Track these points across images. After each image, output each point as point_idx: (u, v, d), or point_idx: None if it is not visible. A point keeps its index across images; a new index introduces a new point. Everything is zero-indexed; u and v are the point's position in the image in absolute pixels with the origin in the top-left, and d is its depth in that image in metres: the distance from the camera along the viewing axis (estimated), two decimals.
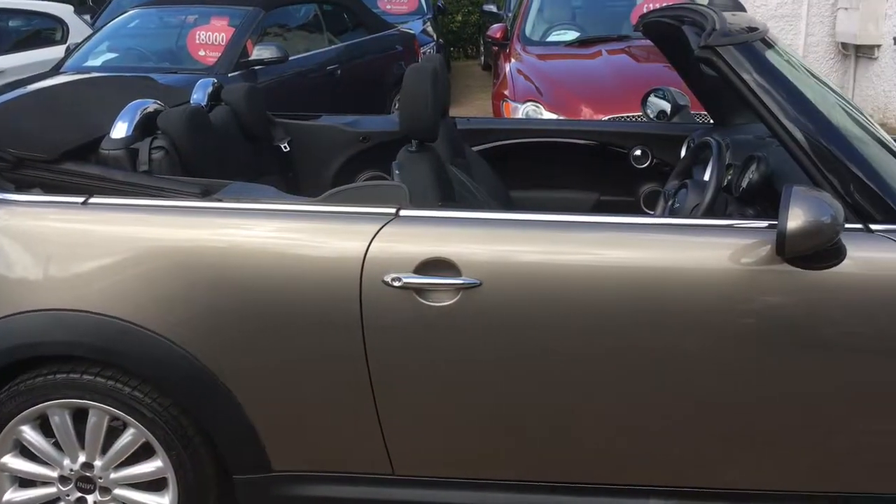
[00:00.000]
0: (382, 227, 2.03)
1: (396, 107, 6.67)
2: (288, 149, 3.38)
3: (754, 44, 2.08)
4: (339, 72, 6.72)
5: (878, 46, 7.71)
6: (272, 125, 3.37)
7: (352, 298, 2.00)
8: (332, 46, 6.99)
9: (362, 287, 1.99)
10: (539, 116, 5.25)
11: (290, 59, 5.99)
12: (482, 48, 13.28)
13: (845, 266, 1.91)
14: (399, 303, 1.99)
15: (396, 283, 1.98)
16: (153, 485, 2.24)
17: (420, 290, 1.98)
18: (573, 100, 5.35)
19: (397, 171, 2.41)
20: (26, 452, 2.25)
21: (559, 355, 1.99)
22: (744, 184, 2.38)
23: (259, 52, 5.77)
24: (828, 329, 1.93)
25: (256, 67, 5.80)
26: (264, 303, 2.03)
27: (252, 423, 2.13)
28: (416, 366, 2.04)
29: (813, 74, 2.39)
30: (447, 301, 1.98)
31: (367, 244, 2.00)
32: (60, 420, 2.18)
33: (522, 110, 5.33)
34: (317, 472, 2.20)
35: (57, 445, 2.22)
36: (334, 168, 3.44)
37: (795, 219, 1.81)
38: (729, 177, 2.54)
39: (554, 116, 5.18)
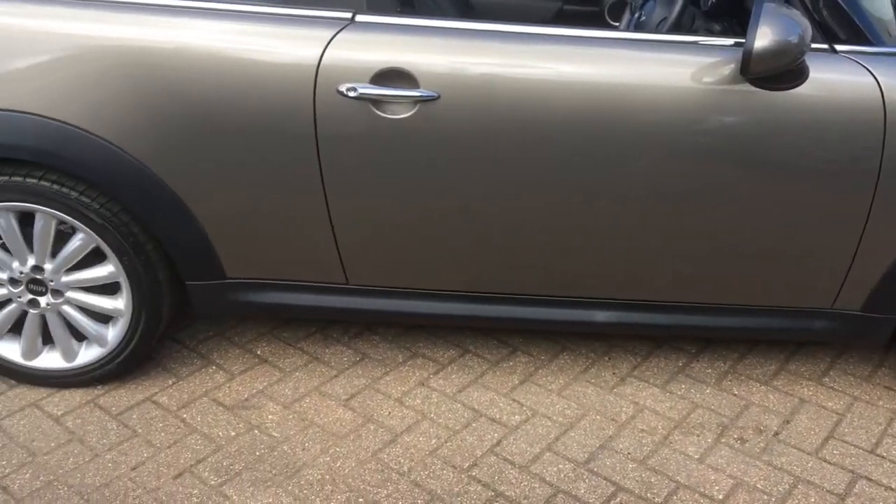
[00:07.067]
0: (337, 33, 1.93)
1: None
2: None
3: None
4: None
5: None
6: None
7: (305, 109, 1.93)
8: None
9: (316, 97, 1.92)
10: None
11: None
12: None
13: (806, 87, 1.89)
14: (354, 114, 1.93)
15: (352, 94, 1.91)
16: (106, 289, 2.24)
17: (376, 101, 1.92)
18: None
19: None
20: None
21: (514, 171, 1.99)
22: None
23: None
24: (782, 151, 1.94)
25: None
26: (214, 109, 1.95)
27: (205, 231, 2.12)
28: (370, 178, 2.01)
29: None
30: (403, 114, 1.93)
31: (322, 51, 1.91)
32: (6, 223, 2.13)
33: None
34: (272, 279, 2.23)
35: (4, 248, 2.19)
36: None
37: (763, 37, 1.76)
38: None
39: None
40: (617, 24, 3.24)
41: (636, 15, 2.54)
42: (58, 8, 1.97)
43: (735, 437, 2.23)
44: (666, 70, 1.92)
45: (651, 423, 2.27)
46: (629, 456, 2.16)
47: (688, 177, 1.98)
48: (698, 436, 2.23)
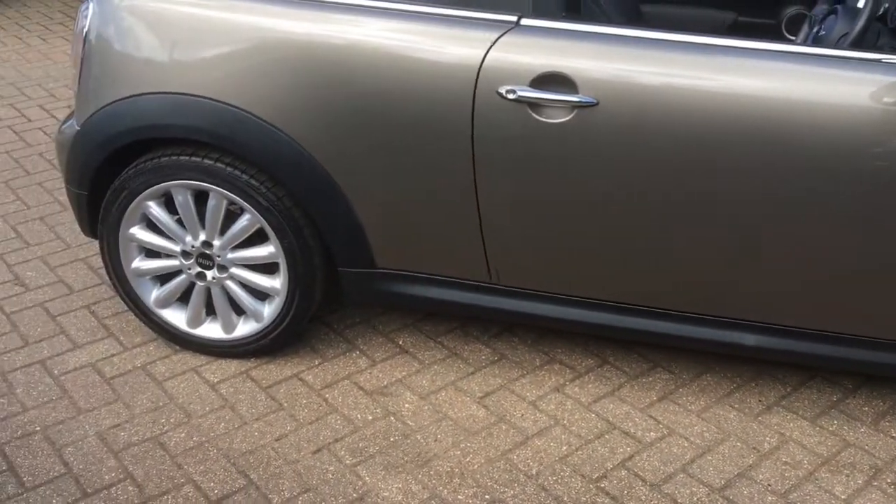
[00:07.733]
0: (501, 35, 1.96)
1: None
2: None
3: None
4: None
5: None
6: None
7: (464, 108, 1.97)
8: None
9: (476, 97, 1.96)
10: None
11: None
12: None
13: None
14: (512, 116, 1.95)
15: (511, 96, 1.93)
16: (266, 268, 2.38)
17: (534, 104, 1.94)
18: None
19: None
20: (153, 226, 2.41)
21: (669, 183, 1.94)
22: None
23: None
24: None
25: None
26: (378, 104, 2.03)
27: (359, 221, 2.20)
28: (522, 180, 2.03)
29: None
30: (561, 118, 1.93)
31: (485, 53, 1.95)
32: (183, 199, 2.31)
33: None
34: (419, 273, 2.29)
35: (180, 223, 2.37)
36: None
37: None
38: (886, 4, 2.30)
39: None
40: (794, 38, 3.10)
41: (815, 29, 2.42)
42: (238, 2, 2.11)
43: (889, 481, 2.08)
44: (844, 88, 1.82)
45: (796, 457, 2.16)
46: (769, 488, 2.07)
47: (861, 200, 1.87)
48: (847, 476, 2.10)
